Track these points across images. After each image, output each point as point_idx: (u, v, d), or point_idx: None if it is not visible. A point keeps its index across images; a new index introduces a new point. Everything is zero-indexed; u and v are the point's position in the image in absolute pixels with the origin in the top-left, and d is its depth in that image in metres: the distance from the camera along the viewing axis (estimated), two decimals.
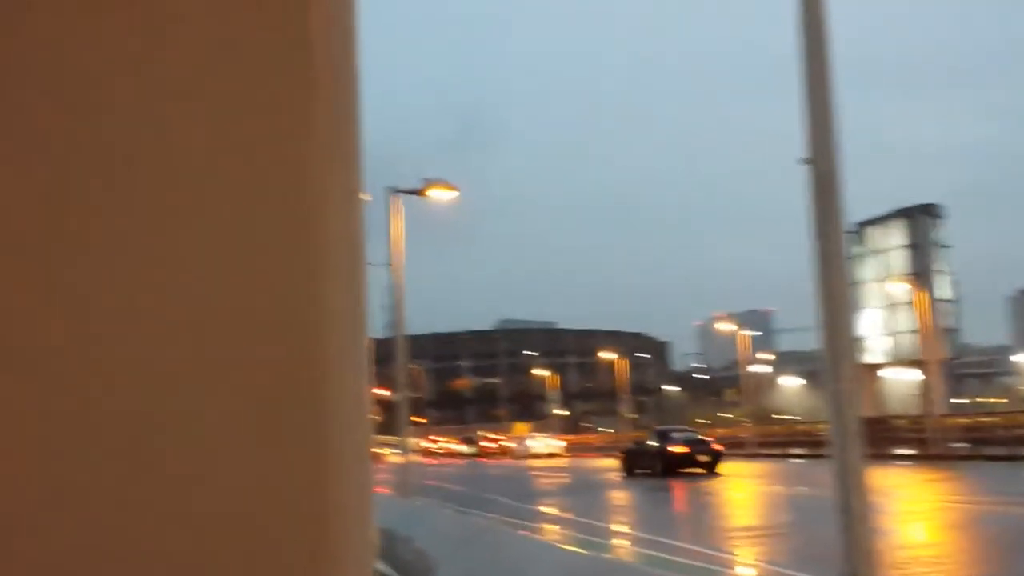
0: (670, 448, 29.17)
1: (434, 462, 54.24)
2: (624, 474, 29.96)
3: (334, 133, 0.63)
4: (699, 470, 28.34)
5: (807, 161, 6.04)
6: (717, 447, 29.96)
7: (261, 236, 0.60)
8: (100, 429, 0.56)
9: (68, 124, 0.58)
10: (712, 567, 10.61)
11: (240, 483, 0.58)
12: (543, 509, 19.42)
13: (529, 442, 58.72)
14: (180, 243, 0.59)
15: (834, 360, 5.91)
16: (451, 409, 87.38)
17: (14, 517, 0.55)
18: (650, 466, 28.87)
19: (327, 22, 0.63)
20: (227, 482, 0.58)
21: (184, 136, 0.60)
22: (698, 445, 29.95)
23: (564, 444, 58.65)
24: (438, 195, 19.31)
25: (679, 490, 23.24)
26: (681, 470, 28.04)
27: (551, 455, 46.57)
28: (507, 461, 53.58)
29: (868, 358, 47.69)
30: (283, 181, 0.60)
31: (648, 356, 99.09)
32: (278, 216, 0.60)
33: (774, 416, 60.72)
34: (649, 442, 30.51)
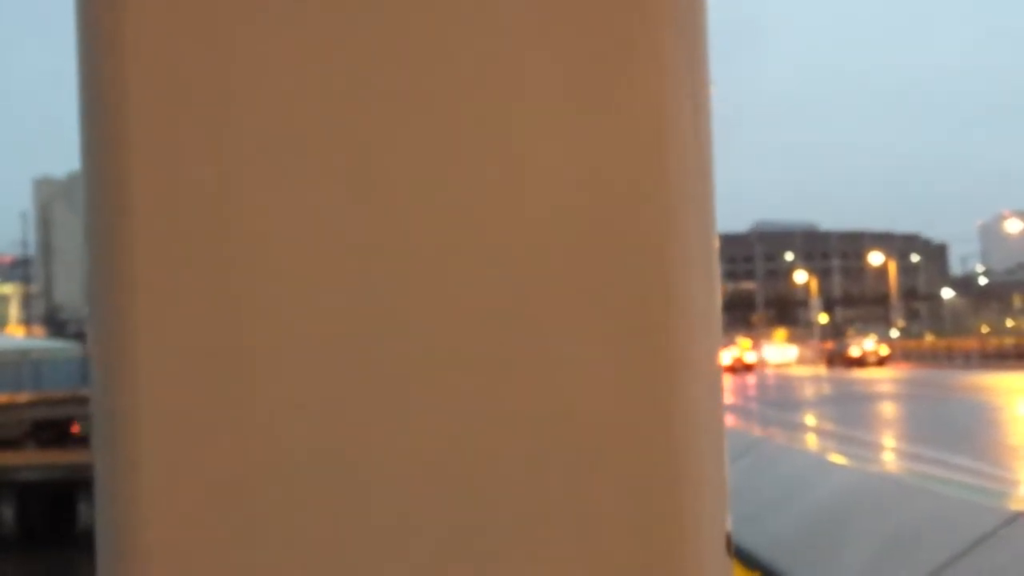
0: None
1: None
2: None
3: (678, 36, 0.57)
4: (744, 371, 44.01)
5: None
6: (749, 363, 46.96)
7: (604, 157, 0.56)
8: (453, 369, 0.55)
9: (395, 63, 0.55)
10: (994, 486, 8.64)
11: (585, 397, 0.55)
12: (801, 419, 17.91)
13: (765, 352, 59.40)
14: (514, 170, 0.55)
15: None
16: None
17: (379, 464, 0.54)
18: None
19: None
20: (576, 402, 0.55)
21: (518, 55, 0.55)
22: (737, 360, 46.22)
23: (797, 353, 58.31)
24: None
25: (948, 405, 20.58)
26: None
27: (785, 365, 47.26)
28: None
29: None
30: (621, 96, 0.55)
31: (922, 259, 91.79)
32: (622, 133, 0.55)
33: None
34: None
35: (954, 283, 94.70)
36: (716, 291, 0.59)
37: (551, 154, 0.55)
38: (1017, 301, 76.36)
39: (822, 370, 43.27)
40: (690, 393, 0.56)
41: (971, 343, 50.28)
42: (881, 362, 44.28)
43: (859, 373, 37.83)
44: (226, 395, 0.54)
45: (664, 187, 0.56)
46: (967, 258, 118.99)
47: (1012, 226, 57.24)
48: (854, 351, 45.84)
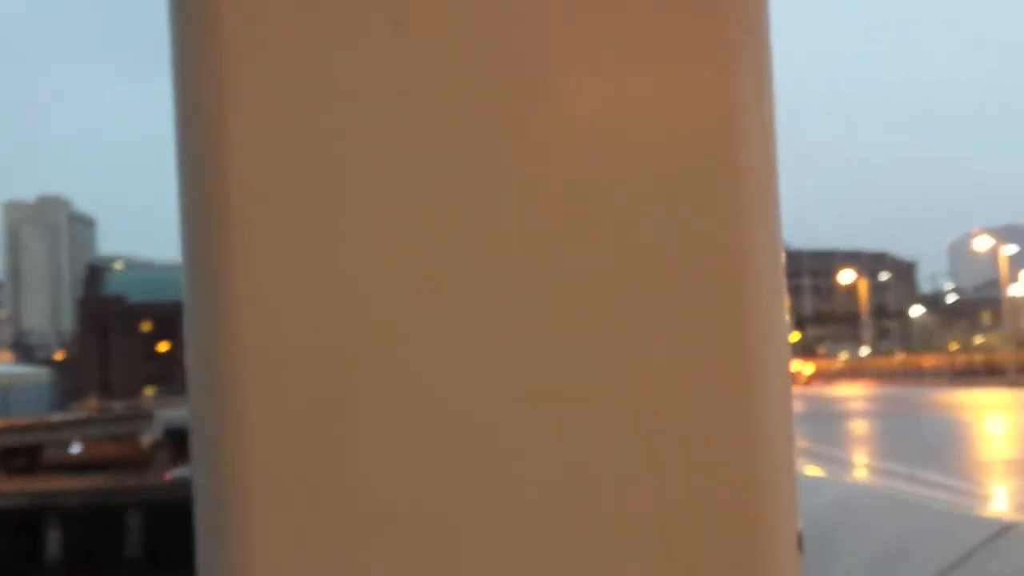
0: None
1: None
2: None
3: (743, 41, 0.58)
4: None
5: None
6: None
7: (678, 170, 0.57)
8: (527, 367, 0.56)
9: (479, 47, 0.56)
10: (959, 500, 8.72)
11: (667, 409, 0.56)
12: None
13: None
14: (591, 176, 0.56)
15: None
16: None
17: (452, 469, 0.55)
18: None
19: None
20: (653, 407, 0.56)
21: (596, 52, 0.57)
22: None
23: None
24: None
25: (930, 423, 20.72)
26: None
27: None
28: None
29: None
30: (696, 100, 0.57)
31: (891, 277, 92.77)
32: (695, 145, 0.57)
33: None
34: None
35: (923, 300, 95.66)
36: (783, 298, 0.60)
37: (629, 169, 0.57)
38: (986, 318, 77.25)
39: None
40: (764, 397, 0.58)
41: (941, 360, 50.82)
42: (808, 381, 48.38)
43: (827, 391, 38.34)
44: (328, 406, 0.54)
45: (736, 200, 0.57)
46: (936, 276, 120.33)
47: (981, 244, 57.92)
48: None
